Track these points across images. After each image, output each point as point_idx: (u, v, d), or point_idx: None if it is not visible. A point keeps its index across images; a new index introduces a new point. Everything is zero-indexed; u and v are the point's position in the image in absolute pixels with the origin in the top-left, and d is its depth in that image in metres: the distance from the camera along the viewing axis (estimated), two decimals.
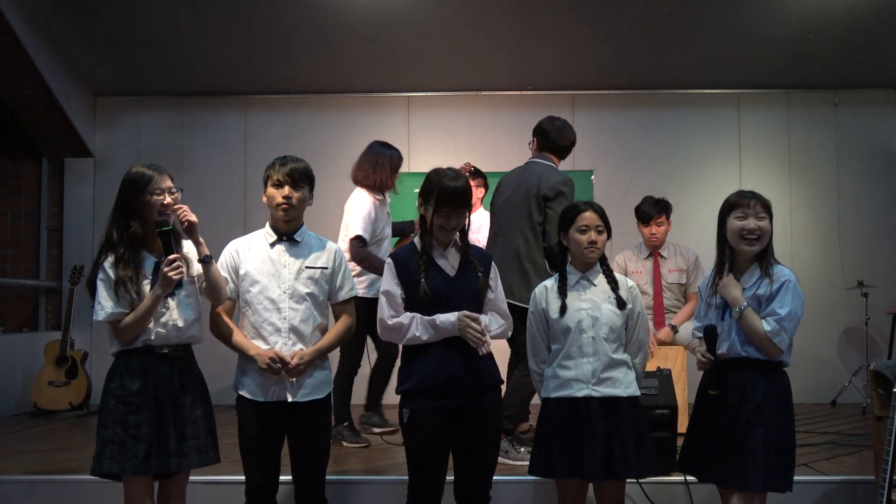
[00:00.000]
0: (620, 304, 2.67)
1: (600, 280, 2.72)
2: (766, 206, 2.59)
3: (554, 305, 2.68)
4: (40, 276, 6.21)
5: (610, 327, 2.65)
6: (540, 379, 2.77)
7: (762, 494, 2.53)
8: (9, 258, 6.23)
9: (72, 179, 6.23)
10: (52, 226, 6.22)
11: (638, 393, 2.68)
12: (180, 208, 2.57)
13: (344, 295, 2.81)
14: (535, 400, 3.32)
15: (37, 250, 6.24)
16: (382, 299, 2.64)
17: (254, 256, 2.73)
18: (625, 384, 2.64)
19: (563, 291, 2.68)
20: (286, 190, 2.68)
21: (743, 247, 2.58)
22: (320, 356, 2.74)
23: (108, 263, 2.53)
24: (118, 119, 6.26)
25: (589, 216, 2.69)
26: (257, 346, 2.66)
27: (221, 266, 2.73)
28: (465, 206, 2.63)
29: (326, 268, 2.77)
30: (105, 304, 2.51)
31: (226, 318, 2.71)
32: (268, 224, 2.79)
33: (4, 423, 5.17)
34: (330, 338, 2.77)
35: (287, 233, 2.75)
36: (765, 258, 2.59)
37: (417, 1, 5.22)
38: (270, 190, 2.70)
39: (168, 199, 2.58)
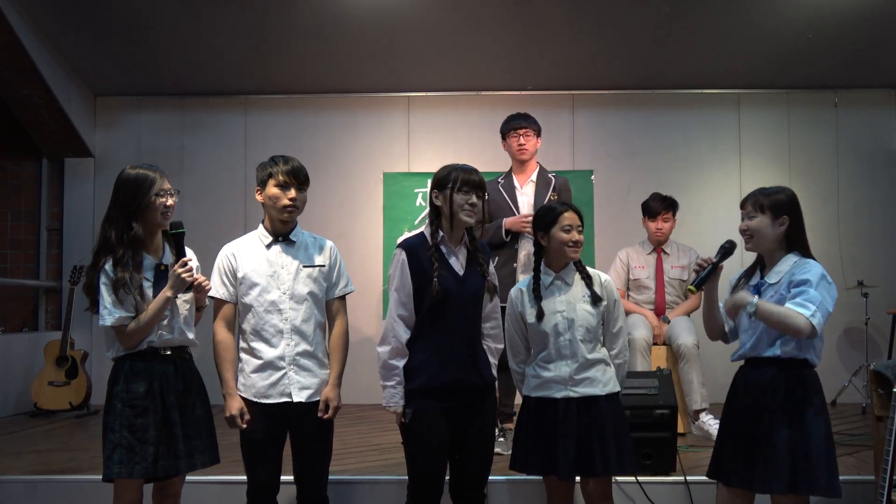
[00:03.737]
0: (595, 299, 2.69)
1: (575, 279, 2.73)
2: (760, 204, 2.53)
3: (530, 310, 2.71)
4: (40, 276, 6.21)
5: (586, 328, 2.67)
6: (521, 378, 2.81)
7: (804, 498, 2.45)
8: (9, 258, 6.23)
9: (72, 179, 6.24)
10: (52, 226, 6.22)
11: (617, 389, 2.70)
12: (197, 278, 2.57)
13: (339, 291, 2.81)
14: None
15: (37, 250, 6.24)
16: (397, 305, 2.61)
17: (250, 259, 2.71)
18: (603, 382, 2.66)
19: (537, 295, 2.70)
20: (293, 192, 2.68)
21: (746, 246, 2.61)
22: (339, 382, 2.75)
23: (108, 266, 2.50)
24: (118, 119, 6.26)
25: (571, 216, 2.70)
26: (233, 398, 2.65)
27: (218, 271, 2.72)
28: (484, 190, 2.66)
29: (324, 265, 2.77)
30: (111, 308, 2.48)
31: (226, 338, 2.70)
32: (261, 225, 2.77)
33: (4, 423, 5.17)
34: (339, 359, 2.77)
35: (283, 233, 2.74)
36: (794, 252, 2.53)
37: (417, 1, 5.22)
38: (274, 191, 2.67)
39: (170, 202, 2.58)
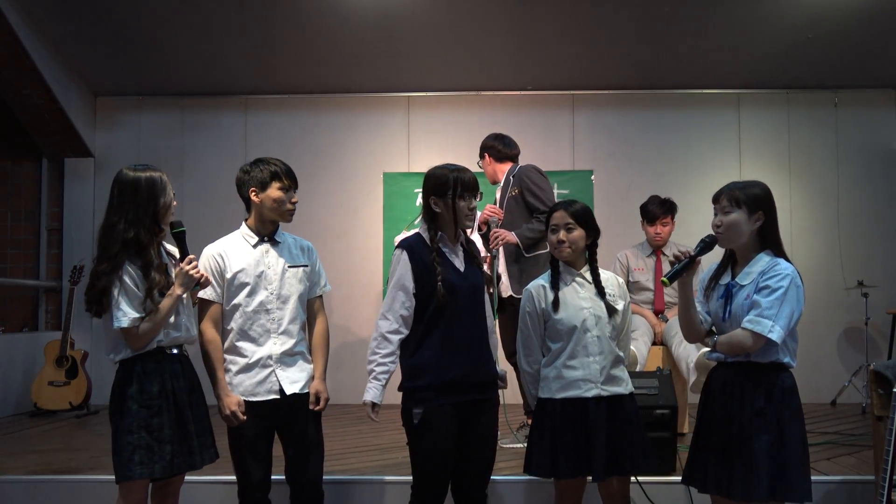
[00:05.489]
0: (610, 310, 2.67)
1: (591, 280, 2.73)
2: (735, 199, 2.42)
3: (551, 301, 2.67)
4: (40, 276, 6.21)
5: (613, 326, 2.67)
6: (532, 379, 2.74)
7: None
8: (9, 258, 6.24)
9: (72, 179, 6.24)
10: (52, 226, 6.22)
11: (633, 389, 2.71)
12: (197, 270, 2.57)
13: (320, 290, 2.86)
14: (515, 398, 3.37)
15: (37, 250, 6.24)
16: (394, 303, 2.59)
17: (239, 259, 2.72)
18: (625, 381, 2.68)
19: (555, 286, 2.68)
20: (294, 195, 2.75)
21: (719, 242, 2.50)
22: (325, 377, 2.80)
23: (132, 269, 2.47)
24: (118, 119, 6.27)
25: (556, 215, 2.69)
26: (229, 395, 2.65)
27: (204, 271, 2.67)
28: (479, 189, 2.67)
29: (307, 265, 2.81)
30: (127, 310, 2.45)
31: (216, 338, 2.70)
32: (245, 225, 2.79)
33: (4, 423, 5.17)
34: (324, 355, 2.82)
35: (269, 233, 2.76)
36: (766, 251, 2.43)
37: (417, 1, 5.22)
38: (278, 193, 2.71)
39: (175, 202, 2.62)
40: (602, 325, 2.64)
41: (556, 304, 2.64)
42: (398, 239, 5.17)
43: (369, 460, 3.85)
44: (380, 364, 2.58)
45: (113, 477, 2.51)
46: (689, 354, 4.12)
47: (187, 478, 2.75)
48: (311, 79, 6.03)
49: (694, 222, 5.67)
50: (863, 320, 5.54)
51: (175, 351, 2.60)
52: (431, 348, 2.58)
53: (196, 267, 2.54)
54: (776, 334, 2.32)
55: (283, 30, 5.47)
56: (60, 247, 6.21)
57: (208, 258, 2.73)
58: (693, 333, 2.55)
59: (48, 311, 6.20)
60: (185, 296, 2.61)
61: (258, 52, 5.72)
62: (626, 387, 2.66)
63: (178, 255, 2.63)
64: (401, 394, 2.65)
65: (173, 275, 2.58)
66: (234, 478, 2.76)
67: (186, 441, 2.54)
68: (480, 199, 2.70)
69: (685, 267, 2.44)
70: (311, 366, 2.79)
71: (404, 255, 2.61)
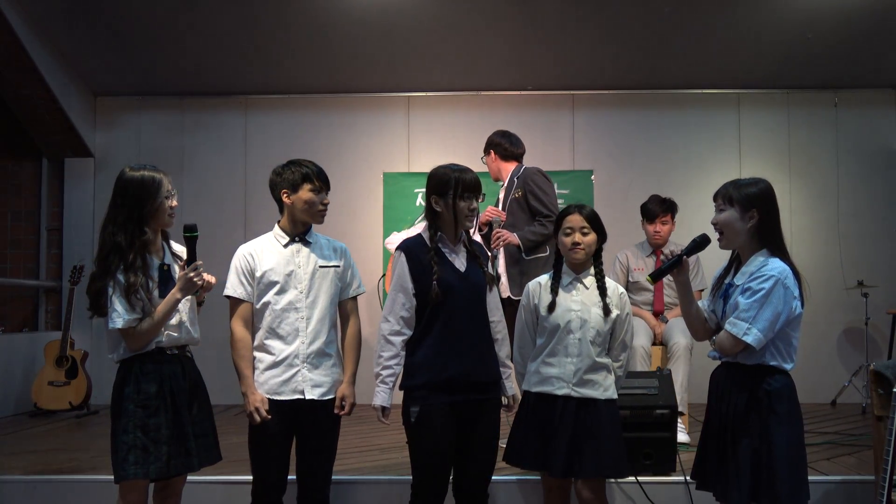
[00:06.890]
0: (605, 311, 2.69)
1: (592, 283, 2.74)
2: (729, 197, 2.42)
3: (545, 302, 2.72)
4: (40, 276, 6.21)
5: (597, 331, 2.68)
6: (523, 371, 2.81)
7: None
8: (9, 258, 6.23)
9: (72, 179, 6.24)
10: (52, 226, 6.22)
11: (615, 396, 2.72)
12: (206, 279, 2.58)
13: (353, 291, 2.87)
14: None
15: (37, 250, 6.24)
16: (394, 305, 2.63)
17: (269, 259, 2.74)
18: (604, 387, 2.67)
19: (554, 289, 2.72)
20: (326, 196, 2.77)
21: (719, 243, 2.50)
22: (354, 381, 2.81)
23: (120, 271, 2.48)
24: (118, 119, 6.27)
25: (572, 219, 2.71)
26: (255, 393, 2.66)
27: (235, 271, 2.73)
28: (481, 190, 2.68)
29: (339, 266, 2.82)
30: (121, 311, 2.47)
31: (245, 336, 2.71)
32: (277, 226, 2.81)
33: (4, 423, 5.17)
34: (354, 358, 2.83)
35: (300, 234, 2.78)
36: (764, 250, 2.40)
37: (417, 1, 5.22)
38: (308, 194, 2.72)
39: (175, 203, 2.60)
40: (586, 329, 2.67)
41: (552, 307, 2.69)
42: (388, 240, 5.20)
43: (369, 460, 3.86)
44: (385, 367, 2.61)
45: (113, 477, 2.51)
46: (677, 377, 4.13)
47: (190, 478, 2.75)
48: (311, 79, 6.03)
49: (694, 222, 5.68)
50: (863, 320, 5.54)
51: (175, 351, 2.60)
52: (428, 347, 2.60)
53: (199, 273, 2.53)
54: (752, 337, 2.31)
55: (283, 30, 5.47)
56: (60, 247, 6.21)
57: (239, 258, 2.76)
58: (697, 332, 2.60)
59: (48, 311, 6.20)
60: (188, 298, 2.61)
61: (258, 52, 5.72)
62: (602, 392, 2.66)
63: (185, 257, 2.64)
64: (402, 393, 2.67)
65: (176, 275, 2.59)
66: (237, 478, 2.77)
67: (183, 442, 2.54)
68: (483, 200, 2.70)
69: (671, 266, 2.48)
70: (339, 370, 2.80)
71: (402, 257, 2.64)
